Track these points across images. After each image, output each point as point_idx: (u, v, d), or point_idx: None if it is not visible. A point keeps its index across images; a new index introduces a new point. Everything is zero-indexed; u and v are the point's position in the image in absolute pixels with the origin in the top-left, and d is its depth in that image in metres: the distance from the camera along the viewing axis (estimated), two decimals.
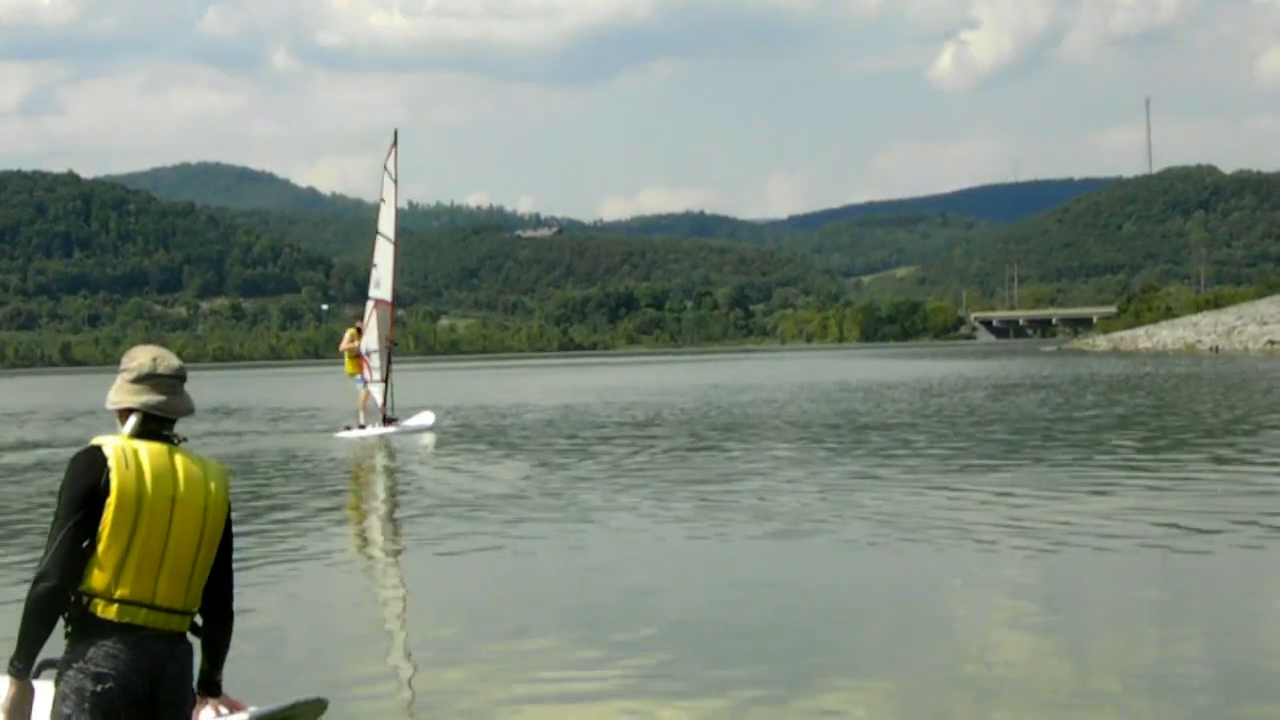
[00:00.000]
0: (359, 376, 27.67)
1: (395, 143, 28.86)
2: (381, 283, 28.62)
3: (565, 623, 9.23)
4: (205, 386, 66.74)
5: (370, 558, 13.20)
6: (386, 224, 28.74)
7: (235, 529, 4.74)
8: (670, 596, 10.05)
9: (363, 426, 27.29)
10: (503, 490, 16.86)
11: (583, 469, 19.24)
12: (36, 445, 27.73)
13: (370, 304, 28.51)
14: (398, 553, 13.29)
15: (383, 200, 28.77)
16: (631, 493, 16.09)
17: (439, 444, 25.07)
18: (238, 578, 4.76)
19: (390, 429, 27.33)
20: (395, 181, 28.66)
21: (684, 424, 28.36)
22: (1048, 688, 7.31)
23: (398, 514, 16.03)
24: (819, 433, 24.81)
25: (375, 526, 15.36)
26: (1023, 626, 8.84)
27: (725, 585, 10.35)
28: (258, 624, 9.05)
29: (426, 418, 28.56)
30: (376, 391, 27.93)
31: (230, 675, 4.74)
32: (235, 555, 4.74)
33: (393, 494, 18.17)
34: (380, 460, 22.58)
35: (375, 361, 27.82)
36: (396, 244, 28.87)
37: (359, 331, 27.98)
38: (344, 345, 27.92)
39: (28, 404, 53.16)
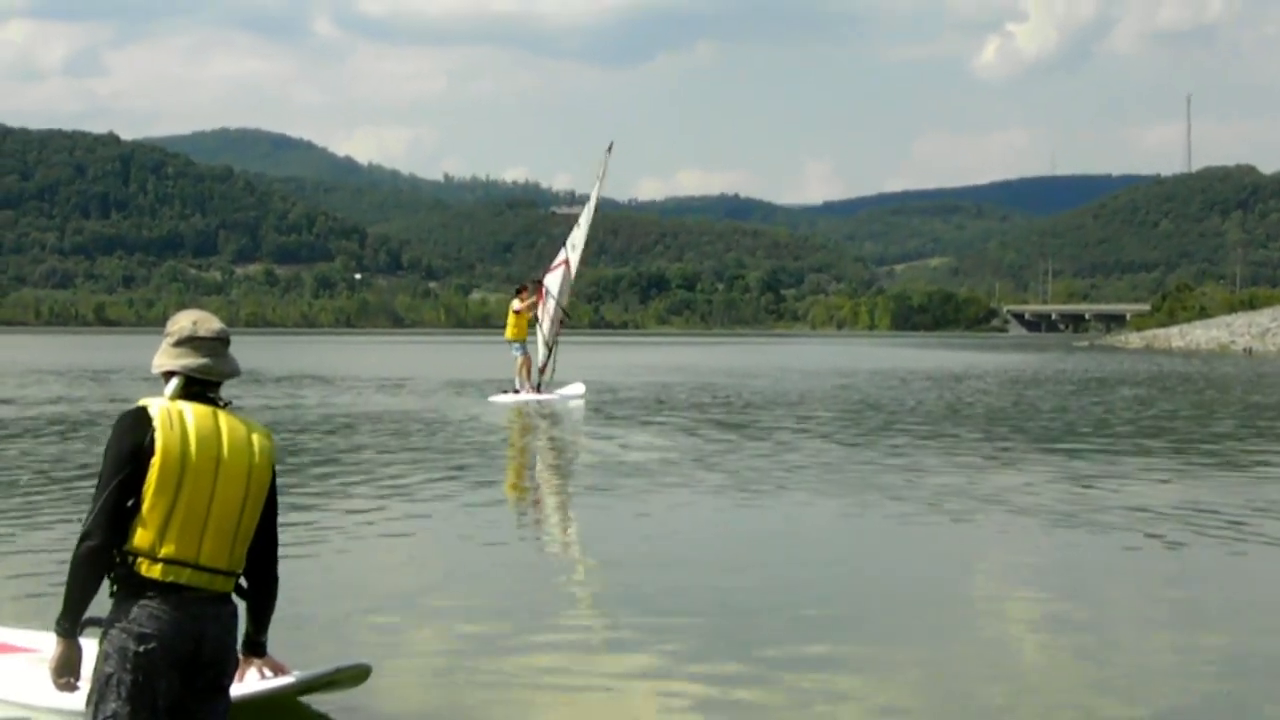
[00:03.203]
0: (518, 344, 28.17)
1: (609, 149, 30.90)
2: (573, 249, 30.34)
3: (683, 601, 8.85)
4: (304, 350, 67.07)
5: (521, 518, 13.25)
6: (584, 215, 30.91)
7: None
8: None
9: (517, 391, 28.02)
10: (671, 460, 16.97)
11: (736, 445, 19.43)
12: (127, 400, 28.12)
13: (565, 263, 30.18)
14: (540, 517, 13.49)
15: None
16: (796, 472, 16.23)
17: (588, 414, 25.34)
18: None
19: (545, 395, 27.97)
20: (599, 179, 30.84)
21: (789, 405, 28.62)
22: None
23: (556, 479, 16.31)
24: (952, 421, 24.94)
25: (535, 491, 15.56)
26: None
27: (879, 570, 10.39)
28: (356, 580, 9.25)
29: (578, 387, 29.35)
30: (543, 353, 28.93)
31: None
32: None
33: (551, 459, 18.44)
34: (538, 426, 22.98)
35: (553, 313, 29.35)
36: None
37: (523, 299, 28.59)
38: (520, 306, 28.43)
39: (108, 362, 53.65)
